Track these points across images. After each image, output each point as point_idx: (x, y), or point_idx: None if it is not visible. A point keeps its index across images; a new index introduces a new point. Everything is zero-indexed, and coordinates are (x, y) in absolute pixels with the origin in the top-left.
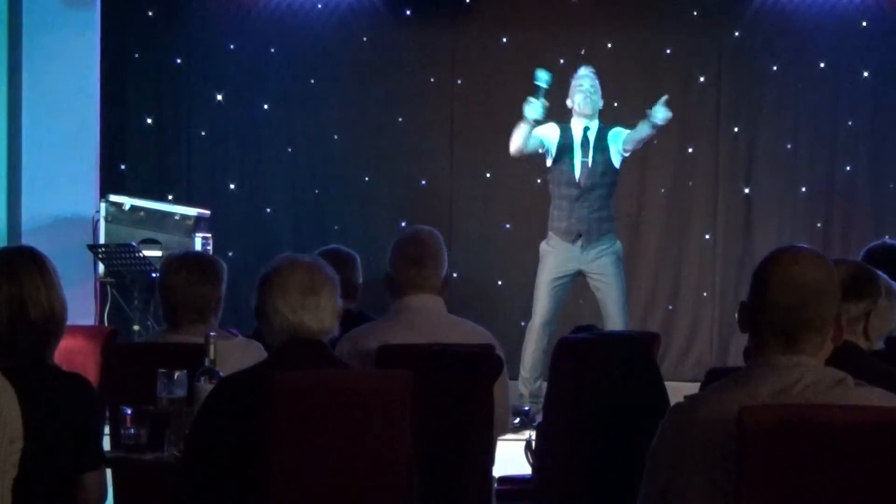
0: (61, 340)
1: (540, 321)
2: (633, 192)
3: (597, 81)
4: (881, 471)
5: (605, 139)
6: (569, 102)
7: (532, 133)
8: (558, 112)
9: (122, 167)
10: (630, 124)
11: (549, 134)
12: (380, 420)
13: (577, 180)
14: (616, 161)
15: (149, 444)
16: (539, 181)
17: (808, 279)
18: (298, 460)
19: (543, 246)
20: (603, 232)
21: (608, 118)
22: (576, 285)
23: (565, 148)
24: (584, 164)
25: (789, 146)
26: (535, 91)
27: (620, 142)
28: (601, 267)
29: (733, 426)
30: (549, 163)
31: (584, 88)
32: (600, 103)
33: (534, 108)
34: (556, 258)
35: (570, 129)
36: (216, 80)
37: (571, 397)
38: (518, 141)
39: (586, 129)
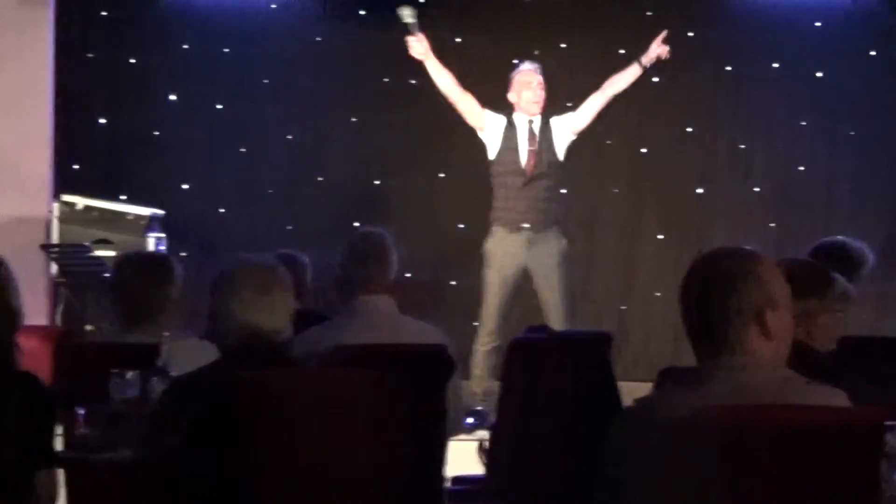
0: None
1: (492, 320)
2: (587, 192)
3: (541, 77)
4: (832, 471)
5: (549, 130)
6: (511, 97)
7: (484, 111)
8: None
9: (76, 167)
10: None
11: (496, 124)
12: (333, 420)
13: (522, 169)
14: (560, 153)
15: (101, 444)
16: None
17: (720, 269)
18: (252, 460)
19: (488, 245)
20: (549, 224)
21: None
22: (527, 283)
23: (510, 138)
24: (530, 153)
25: (743, 146)
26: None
27: (569, 125)
28: (546, 268)
29: (687, 427)
30: (492, 155)
31: (533, 86)
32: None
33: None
34: (501, 257)
35: (513, 121)
36: (170, 80)
37: (524, 397)
38: (440, 77)
39: (531, 121)
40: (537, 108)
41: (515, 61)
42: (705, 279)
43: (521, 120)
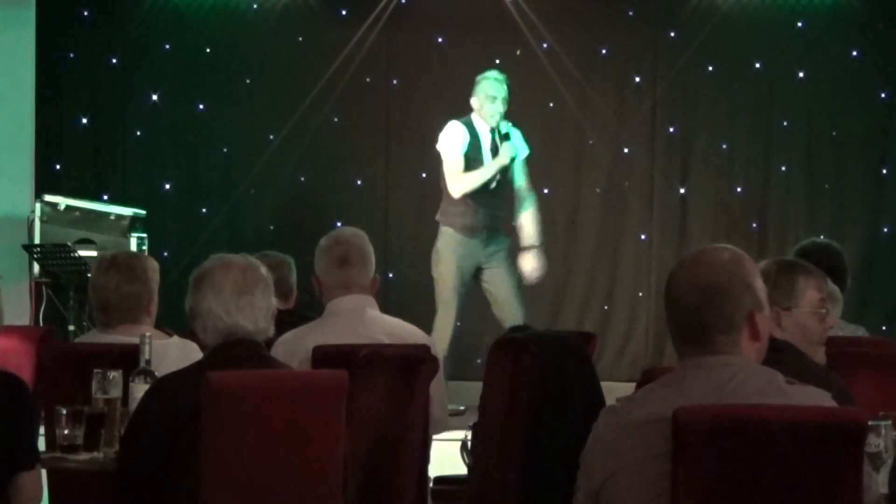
0: None
1: (451, 321)
2: (569, 192)
3: (505, 87)
4: (815, 470)
5: (510, 136)
6: (473, 103)
7: (452, 137)
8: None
9: (58, 167)
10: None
11: (462, 136)
12: (315, 420)
13: (488, 182)
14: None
15: (84, 444)
16: None
17: (705, 281)
18: (234, 460)
19: (441, 246)
20: (500, 229)
21: (544, 119)
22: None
23: (475, 148)
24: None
25: (725, 146)
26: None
27: (521, 151)
28: (498, 261)
29: (668, 426)
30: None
31: (498, 101)
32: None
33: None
34: (460, 258)
35: (475, 128)
36: (152, 80)
37: (507, 397)
38: (474, 185)
39: (493, 131)
40: (496, 121)
41: (497, 61)
42: (693, 289)
43: (482, 127)
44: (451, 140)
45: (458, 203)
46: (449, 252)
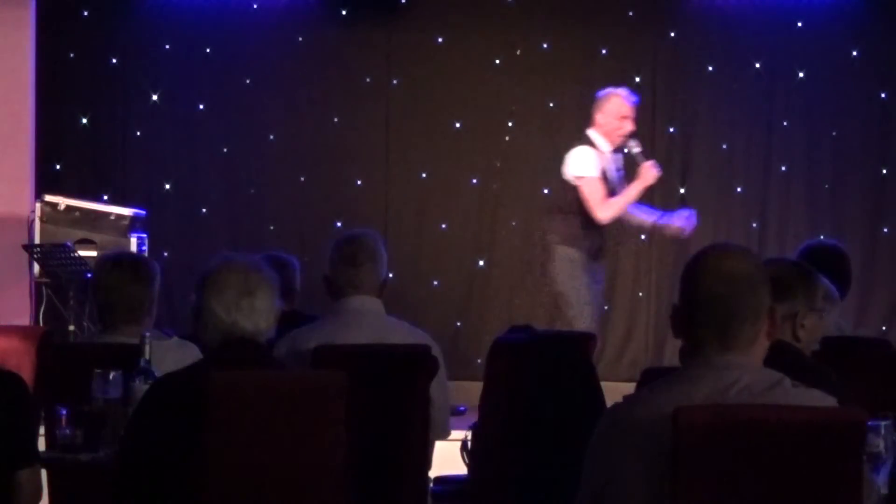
0: None
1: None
2: None
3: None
4: (815, 471)
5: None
6: (600, 119)
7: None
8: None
9: (58, 167)
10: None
11: (598, 161)
12: (315, 420)
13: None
14: None
15: (84, 444)
16: (475, 181)
17: (738, 270)
18: (234, 461)
19: (569, 267)
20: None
21: (544, 119)
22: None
23: (605, 173)
24: (620, 188)
25: (725, 146)
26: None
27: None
28: (600, 279)
29: (669, 426)
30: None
31: (629, 119)
32: None
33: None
34: (585, 273)
35: (600, 149)
36: (152, 80)
37: (507, 397)
38: (623, 208)
39: (612, 150)
40: (622, 140)
41: (497, 62)
42: (730, 277)
43: (604, 147)
44: (591, 165)
45: (583, 226)
46: (578, 271)
